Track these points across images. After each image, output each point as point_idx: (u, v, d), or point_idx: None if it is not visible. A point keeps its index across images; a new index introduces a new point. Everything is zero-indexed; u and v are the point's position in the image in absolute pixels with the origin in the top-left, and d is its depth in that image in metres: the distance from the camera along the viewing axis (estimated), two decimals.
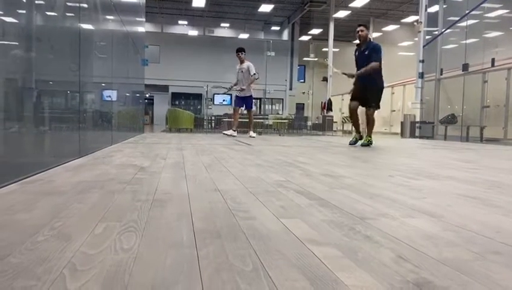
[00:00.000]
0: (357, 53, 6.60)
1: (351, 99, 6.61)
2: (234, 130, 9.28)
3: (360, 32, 6.43)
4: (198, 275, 0.89)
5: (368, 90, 6.34)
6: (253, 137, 8.97)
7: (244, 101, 9.23)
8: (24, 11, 2.51)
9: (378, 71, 6.31)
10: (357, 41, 6.61)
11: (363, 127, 7.06)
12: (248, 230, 1.26)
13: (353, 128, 7.20)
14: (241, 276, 0.89)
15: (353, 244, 1.15)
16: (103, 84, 5.08)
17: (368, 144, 6.46)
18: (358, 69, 6.52)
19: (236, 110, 9.38)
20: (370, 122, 6.57)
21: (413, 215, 1.54)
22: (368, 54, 6.34)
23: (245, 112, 9.68)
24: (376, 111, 6.57)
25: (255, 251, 1.06)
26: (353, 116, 6.70)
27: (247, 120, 9.82)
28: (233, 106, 9.66)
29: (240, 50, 9.08)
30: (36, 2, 2.74)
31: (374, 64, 6.27)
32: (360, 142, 6.60)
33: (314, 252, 1.06)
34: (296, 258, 1.01)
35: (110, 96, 5.47)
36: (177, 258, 1.00)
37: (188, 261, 0.98)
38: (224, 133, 9.37)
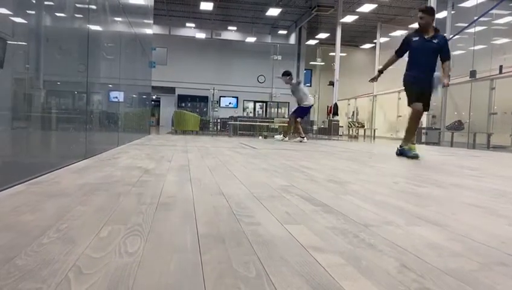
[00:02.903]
0: (417, 38, 5.26)
1: (416, 100, 5.26)
2: (303, 137, 10.15)
3: (419, 20, 5.23)
4: (201, 281, 0.89)
5: (428, 93, 5.29)
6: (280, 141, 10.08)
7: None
8: (33, 12, 2.53)
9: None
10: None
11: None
12: (252, 236, 1.26)
13: (405, 135, 5.50)
14: (244, 283, 0.89)
15: (357, 252, 1.15)
16: (110, 86, 5.11)
17: (418, 155, 5.21)
18: (416, 61, 5.31)
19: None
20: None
21: (418, 224, 1.54)
22: (439, 45, 5.15)
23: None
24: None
25: (258, 257, 1.06)
26: (418, 122, 5.48)
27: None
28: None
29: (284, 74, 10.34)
30: (46, 3, 2.77)
31: (449, 64, 5.27)
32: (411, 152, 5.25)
33: (317, 260, 1.06)
34: (299, 265, 1.01)
35: (117, 97, 5.50)
36: (181, 263, 1.00)
37: (191, 266, 0.98)
38: (294, 141, 10.21)
